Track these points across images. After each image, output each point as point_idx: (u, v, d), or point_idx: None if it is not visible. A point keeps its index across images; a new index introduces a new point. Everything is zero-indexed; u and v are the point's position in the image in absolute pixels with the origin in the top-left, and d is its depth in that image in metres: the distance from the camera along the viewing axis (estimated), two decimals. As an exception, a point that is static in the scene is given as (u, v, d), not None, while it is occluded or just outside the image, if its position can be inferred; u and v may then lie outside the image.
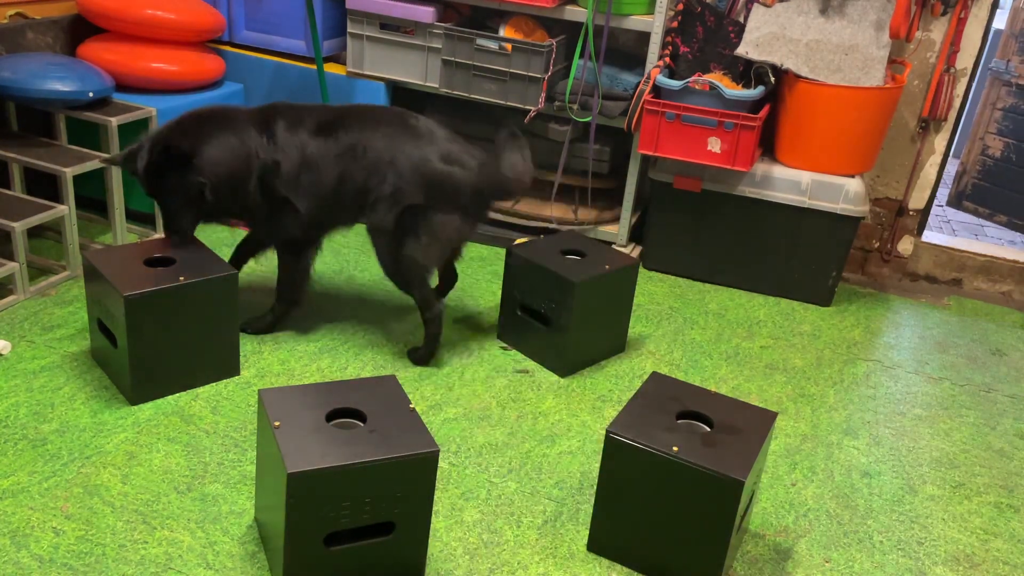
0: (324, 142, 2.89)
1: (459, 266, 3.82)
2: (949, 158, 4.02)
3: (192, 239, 2.88)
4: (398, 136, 2.90)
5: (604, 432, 2.25)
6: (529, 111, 3.80)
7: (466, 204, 2.91)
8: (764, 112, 3.54)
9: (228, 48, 4.11)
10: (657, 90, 3.62)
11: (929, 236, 4.17)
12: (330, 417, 2.08)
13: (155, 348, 2.64)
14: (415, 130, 2.93)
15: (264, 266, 3.58)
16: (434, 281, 3.20)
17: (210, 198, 2.81)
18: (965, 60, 3.78)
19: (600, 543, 2.30)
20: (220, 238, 3.79)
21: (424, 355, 3.05)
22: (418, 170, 2.86)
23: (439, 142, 2.92)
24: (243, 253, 3.21)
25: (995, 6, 3.71)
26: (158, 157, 2.75)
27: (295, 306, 3.15)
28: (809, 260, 3.76)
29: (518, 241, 3.25)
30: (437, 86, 3.91)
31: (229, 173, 2.83)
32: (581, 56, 3.75)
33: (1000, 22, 5.08)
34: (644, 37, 3.86)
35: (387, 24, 3.88)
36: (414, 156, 2.87)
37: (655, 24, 3.67)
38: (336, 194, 2.92)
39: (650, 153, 3.66)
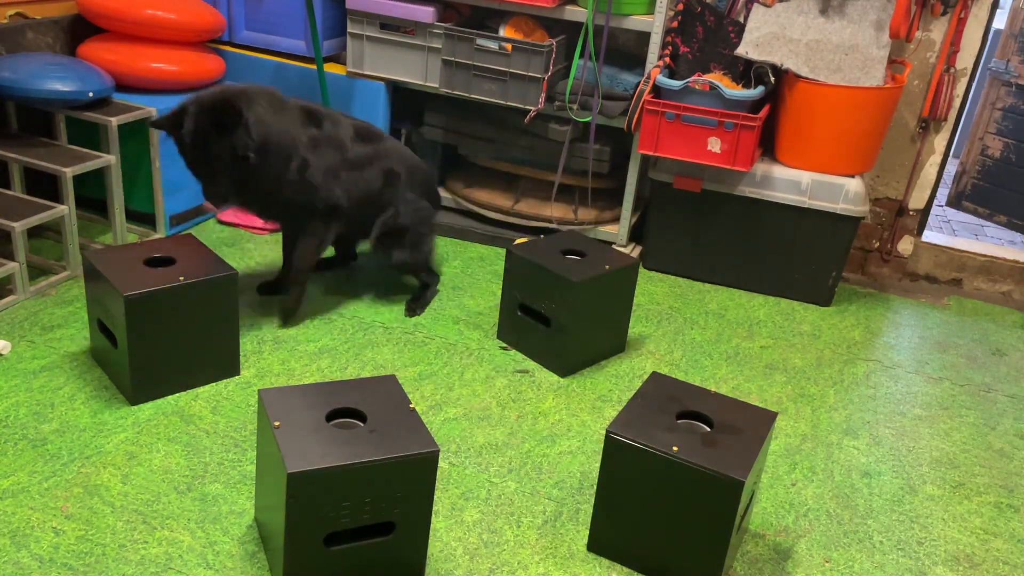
0: (360, 145, 3.20)
1: (459, 265, 3.85)
2: (949, 158, 4.02)
3: (226, 206, 2.98)
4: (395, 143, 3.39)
5: (604, 432, 2.25)
6: (529, 111, 3.80)
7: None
8: (764, 112, 3.54)
9: (228, 48, 4.11)
10: (657, 90, 3.62)
11: (929, 236, 4.17)
12: (330, 417, 2.08)
13: (155, 348, 2.64)
14: (392, 138, 3.41)
15: (264, 265, 3.58)
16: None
17: (254, 160, 2.81)
18: (965, 60, 3.78)
19: (600, 543, 2.30)
20: (220, 238, 3.79)
21: (422, 304, 3.42)
22: (427, 172, 3.46)
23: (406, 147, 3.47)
24: (288, 252, 3.30)
25: (995, 6, 3.71)
26: (212, 116, 2.74)
27: (307, 279, 3.26)
28: (809, 260, 3.76)
29: (518, 241, 3.25)
30: (437, 86, 3.90)
31: (274, 146, 2.87)
32: (581, 56, 3.74)
33: (1000, 22, 5.07)
34: (644, 37, 3.86)
35: (387, 24, 3.87)
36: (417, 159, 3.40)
37: (655, 24, 3.67)
38: (365, 192, 3.22)
39: (650, 153, 3.66)
